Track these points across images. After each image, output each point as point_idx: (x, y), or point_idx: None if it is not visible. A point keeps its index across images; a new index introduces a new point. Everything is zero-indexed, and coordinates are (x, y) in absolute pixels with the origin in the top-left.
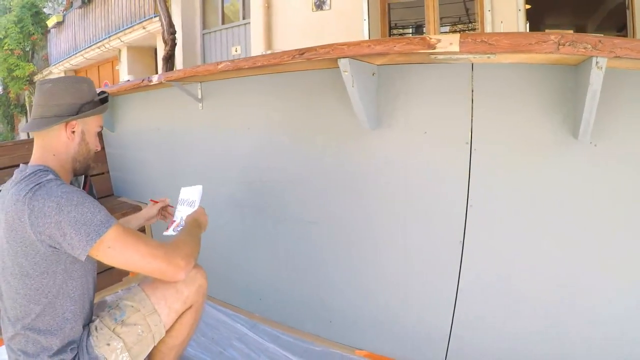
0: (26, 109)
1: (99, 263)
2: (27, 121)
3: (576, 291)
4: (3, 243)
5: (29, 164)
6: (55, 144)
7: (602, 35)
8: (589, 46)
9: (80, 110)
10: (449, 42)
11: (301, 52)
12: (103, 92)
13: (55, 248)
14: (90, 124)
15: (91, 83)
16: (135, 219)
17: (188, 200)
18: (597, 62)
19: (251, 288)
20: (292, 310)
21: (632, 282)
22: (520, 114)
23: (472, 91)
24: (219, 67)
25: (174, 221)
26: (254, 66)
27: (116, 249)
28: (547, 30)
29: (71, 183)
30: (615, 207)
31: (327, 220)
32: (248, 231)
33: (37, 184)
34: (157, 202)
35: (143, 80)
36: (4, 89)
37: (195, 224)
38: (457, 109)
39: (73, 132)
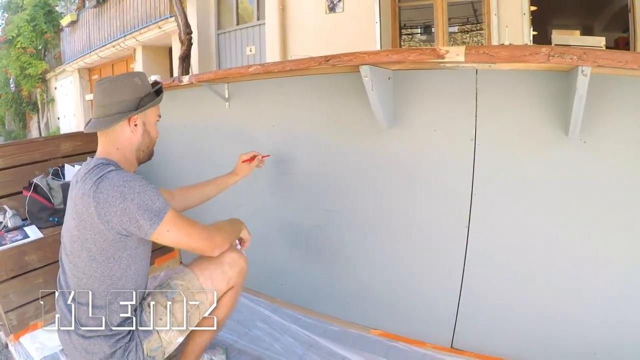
0: (38, 106)
1: None
2: (39, 119)
3: (572, 274)
4: (72, 230)
5: (94, 158)
6: (119, 139)
7: (605, 36)
8: (575, 57)
9: (140, 104)
10: (456, 54)
11: (327, 58)
12: (156, 83)
13: (122, 235)
14: (150, 115)
15: (144, 76)
16: (216, 185)
17: None
18: (582, 71)
19: (273, 274)
20: (312, 294)
21: (624, 264)
22: (519, 113)
23: (477, 94)
24: (250, 70)
25: None
26: (284, 70)
27: (172, 232)
28: (553, 31)
29: None
30: (602, 195)
31: (346, 209)
32: (272, 221)
33: (100, 177)
34: (251, 160)
35: (174, 80)
36: (17, 86)
37: (236, 220)
38: (463, 110)
39: (135, 125)
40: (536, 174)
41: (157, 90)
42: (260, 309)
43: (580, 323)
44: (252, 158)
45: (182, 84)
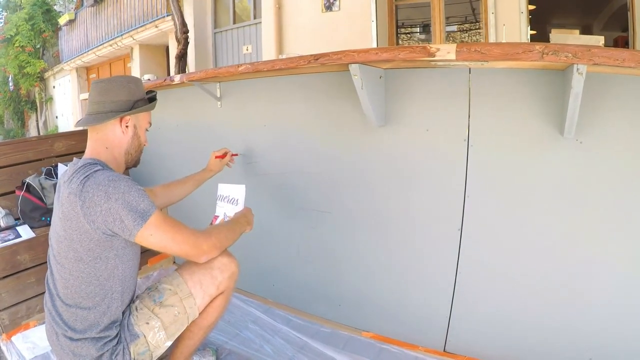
0: (36, 105)
1: None
2: (37, 118)
3: (567, 277)
4: (59, 230)
5: (82, 158)
6: (109, 138)
7: (604, 35)
8: (570, 55)
9: (133, 107)
10: (446, 51)
11: (316, 57)
12: (151, 91)
13: (107, 235)
14: (141, 120)
15: (140, 82)
16: (194, 180)
17: (229, 197)
18: (577, 69)
19: (265, 275)
20: (304, 295)
21: (619, 267)
22: (513, 113)
23: (470, 93)
24: (240, 69)
25: (217, 217)
26: (273, 69)
27: (156, 235)
28: (552, 30)
29: None
30: (599, 198)
31: (338, 210)
32: (263, 221)
33: (86, 176)
34: (223, 156)
35: (165, 80)
36: (15, 85)
37: (238, 220)
38: (456, 109)
39: (127, 126)
40: (530, 176)
41: (150, 98)
42: (252, 310)
43: (575, 328)
44: (224, 154)
45: (174, 83)
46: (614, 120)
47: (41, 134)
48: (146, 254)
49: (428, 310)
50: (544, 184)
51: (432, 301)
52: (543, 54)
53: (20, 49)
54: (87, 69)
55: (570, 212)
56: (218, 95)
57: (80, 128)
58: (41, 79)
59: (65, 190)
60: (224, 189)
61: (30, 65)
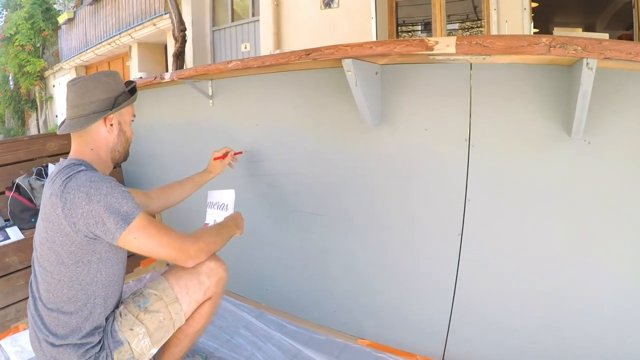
0: (36, 104)
1: None
2: (37, 116)
3: (571, 283)
4: (42, 232)
5: (67, 158)
6: (95, 139)
7: (607, 33)
8: (579, 48)
9: (115, 104)
10: (446, 45)
11: (307, 52)
12: (131, 82)
13: (90, 238)
14: (125, 115)
15: (118, 75)
16: (193, 183)
17: (218, 203)
18: (587, 64)
19: (258, 279)
20: (298, 300)
21: (625, 273)
22: (517, 111)
23: (471, 90)
24: (230, 65)
25: (207, 224)
26: (263, 65)
27: (140, 239)
28: (555, 28)
29: None
30: (608, 201)
31: (332, 212)
32: (256, 223)
33: (68, 177)
34: (224, 156)
35: (155, 78)
36: (15, 84)
37: (227, 224)
38: (456, 107)
39: (111, 125)
40: (535, 178)
41: (131, 90)
42: (244, 315)
43: (579, 337)
44: (225, 155)
45: (165, 81)
46: (625, 120)
47: (41, 132)
48: (139, 256)
49: (427, 317)
50: (549, 186)
51: (431, 308)
52: (550, 47)
53: (20, 48)
54: (87, 68)
55: (576, 216)
56: (210, 93)
57: None
58: (41, 77)
59: (48, 191)
60: (213, 195)
61: (30, 64)
